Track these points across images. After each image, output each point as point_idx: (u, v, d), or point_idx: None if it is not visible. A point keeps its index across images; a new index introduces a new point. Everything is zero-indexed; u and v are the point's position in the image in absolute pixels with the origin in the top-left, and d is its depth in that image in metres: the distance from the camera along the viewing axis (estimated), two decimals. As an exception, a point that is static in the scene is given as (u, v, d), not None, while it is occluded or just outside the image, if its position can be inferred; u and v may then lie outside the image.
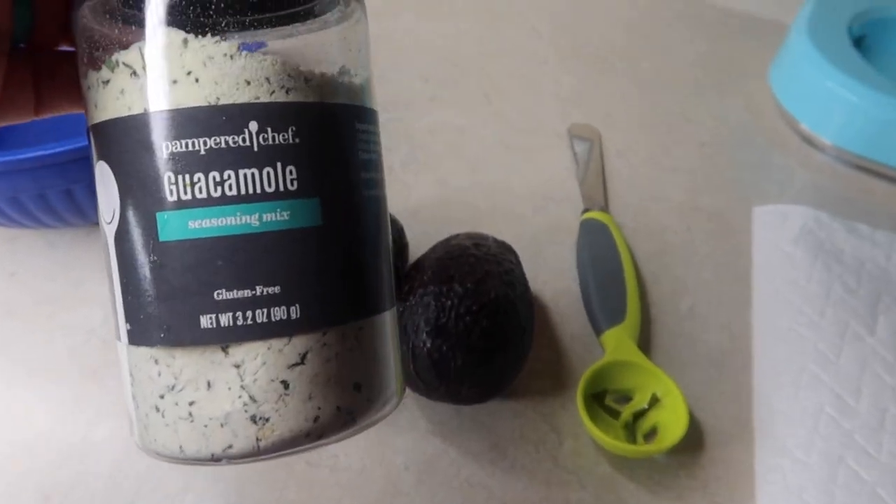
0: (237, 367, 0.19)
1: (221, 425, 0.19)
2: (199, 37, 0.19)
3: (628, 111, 0.56)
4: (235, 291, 0.19)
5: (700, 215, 0.48)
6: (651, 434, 0.36)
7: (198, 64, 0.18)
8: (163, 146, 0.18)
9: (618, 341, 0.38)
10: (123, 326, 0.20)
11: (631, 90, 0.58)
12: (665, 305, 0.42)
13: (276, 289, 0.19)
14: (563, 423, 0.36)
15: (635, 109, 0.56)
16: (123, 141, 0.19)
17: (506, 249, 0.37)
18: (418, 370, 0.32)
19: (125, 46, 0.19)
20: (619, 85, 0.58)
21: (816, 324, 0.40)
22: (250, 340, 0.19)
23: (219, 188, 0.18)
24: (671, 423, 0.35)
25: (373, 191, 0.22)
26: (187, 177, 0.18)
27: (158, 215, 0.19)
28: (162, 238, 0.19)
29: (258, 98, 0.19)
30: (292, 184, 0.19)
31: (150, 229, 0.19)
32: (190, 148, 0.18)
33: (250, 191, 0.19)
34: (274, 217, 0.19)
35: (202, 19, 0.19)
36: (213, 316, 0.19)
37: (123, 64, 0.19)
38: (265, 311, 0.19)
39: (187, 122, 0.18)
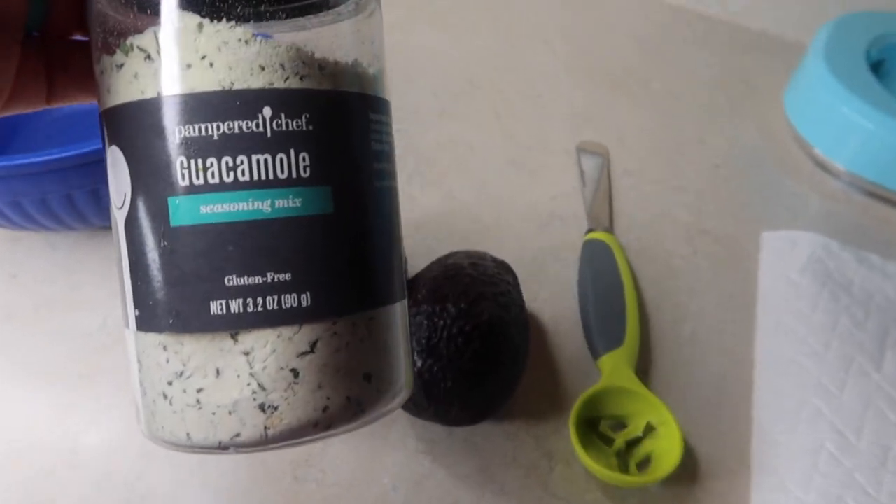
0: (246, 354, 0.19)
1: (229, 413, 0.19)
2: (215, 21, 0.18)
3: (639, 130, 0.55)
4: (246, 278, 0.18)
5: (707, 239, 0.47)
6: (645, 463, 0.35)
7: (212, 48, 0.18)
8: (175, 130, 0.18)
9: (615, 366, 0.37)
10: (132, 312, 0.20)
11: (642, 109, 0.57)
12: (666, 331, 0.41)
13: (287, 276, 0.19)
14: (556, 447, 0.36)
15: (646, 128, 0.55)
16: (136, 125, 0.19)
17: (504, 269, 0.36)
18: (408, 390, 0.32)
19: (140, 31, 0.19)
20: (630, 103, 0.58)
21: (821, 356, 0.39)
22: (260, 328, 0.19)
23: (231, 173, 0.18)
24: (665, 453, 0.34)
25: (385, 182, 0.21)
26: (200, 161, 0.18)
27: (170, 200, 0.19)
28: (173, 223, 0.19)
29: (272, 84, 0.19)
30: (305, 171, 0.19)
31: (161, 214, 0.19)
32: (203, 133, 0.18)
33: (263, 177, 0.18)
34: (286, 204, 0.19)
35: (217, 4, 0.19)
36: (223, 302, 0.18)
37: (138, 48, 0.19)
38: (276, 298, 0.19)
39: (201, 106, 0.18)
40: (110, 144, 0.20)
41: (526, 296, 0.39)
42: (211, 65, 0.18)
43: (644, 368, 0.39)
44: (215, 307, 0.18)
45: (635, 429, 0.35)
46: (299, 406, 0.19)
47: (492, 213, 0.47)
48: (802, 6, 0.64)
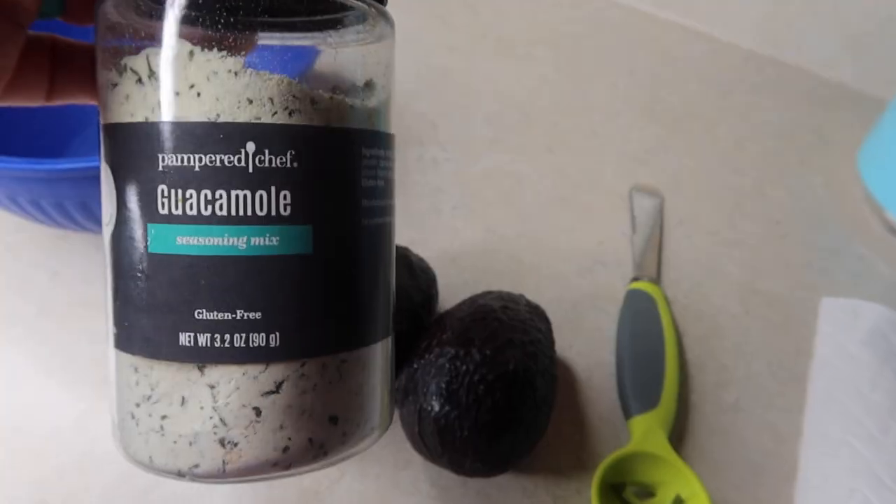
0: (211, 387, 0.19)
1: (190, 444, 0.19)
2: (206, 50, 0.18)
3: (697, 176, 0.53)
4: (215, 313, 0.18)
5: (760, 299, 0.44)
6: (670, 539, 0.33)
7: (201, 78, 0.18)
8: (159, 158, 0.18)
9: (647, 429, 0.35)
10: (111, 329, 0.20)
11: (703, 154, 0.55)
12: (707, 395, 0.39)
13: (257, 315, 0.18)
14: (576, 510, 0.34)
15: (705, 175, 0.53)
16: (124, 147, 0.19)
17: (537, 315, 0.35)
18: (423, 434, 0.31)
19: (136, 52, 0.19)
20: (690, 147, 0.55)
21: (877, 441, 0.36)
22: (226, 363, 0.19)
23: (209, 207, 0.18)
24: (693, 531, 0.32)
25: (374, 219, 0.21)
26: (180, 192, 0.18)
27: (149, 226, 0.19)
28: (151, 250, 0.19)
29: (259, 118, 0.18)
30: (285, 209, 0.18)
31: (141, 239, 0.19)
32: (185, 163, 0.18)
33: (240, 213, 0.18)
34: (262, 242, 0.18)
35: (210, 33, 0.18)
36: (192, 335, 0.18)
37: (131, 69, 0.19)
38: (243, 335, 0.18)
39: (184, 136, 0.18)
40: (103, 160, 0.20)
41: (559, 344, 0.37)
42: (198, 94, 0.18)
43: (679, 434, 0.37)
44: (184, 338, 0.18)
45: (663, 500, 0.33)
46: (259, 445, 0.19)
47: (532, 253, 0.46)
48: (885, 61, 0.61)
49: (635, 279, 0.44)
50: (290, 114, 0.19)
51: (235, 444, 0.19)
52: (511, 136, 0.55)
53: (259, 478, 0.19)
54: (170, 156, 0.18)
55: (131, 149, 0.19)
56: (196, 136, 0.18)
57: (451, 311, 0.34)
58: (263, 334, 0.18)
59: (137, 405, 0.19)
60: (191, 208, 0.18)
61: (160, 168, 0.18)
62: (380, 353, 0.21)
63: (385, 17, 0.22)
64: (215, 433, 0.19)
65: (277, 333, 0.19)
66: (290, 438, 0.19)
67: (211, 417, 0.19)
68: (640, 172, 0.52)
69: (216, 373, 0.18)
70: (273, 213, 0.18)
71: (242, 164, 0.18)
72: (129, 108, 0.19)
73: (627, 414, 0.36)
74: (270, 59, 0.19)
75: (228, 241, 0.18)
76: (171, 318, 0.18)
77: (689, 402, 0.38)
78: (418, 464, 0.34)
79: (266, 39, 0.20)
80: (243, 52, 0.18)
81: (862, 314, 0.42)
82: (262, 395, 0.19)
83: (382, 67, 0.22)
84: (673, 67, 0.63)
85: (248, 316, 0.18)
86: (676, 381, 0.37)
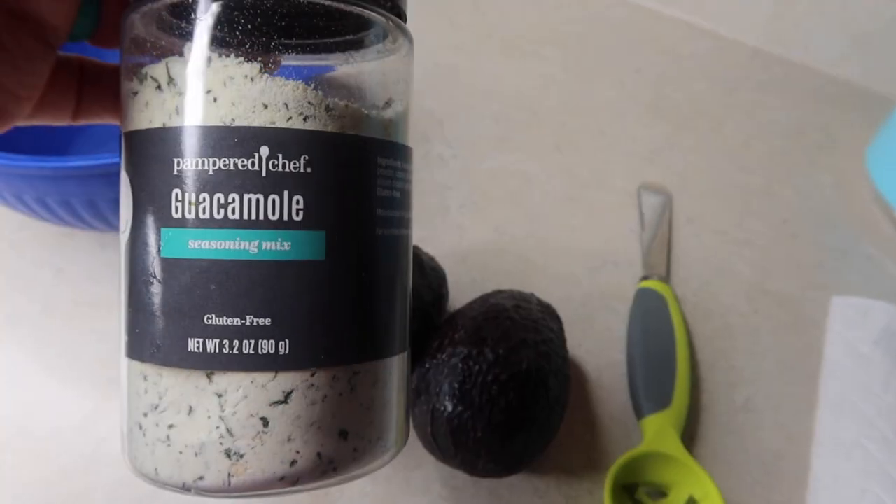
0: (219, 396, 0.18)
1: (195, 454, 0.18)
2: (223, 56, 0.18)
3: (705, 175, 0.52)
4: (225, 318, 0.18)
5: (770, 299, 0.44)
6: (683, 540, 0.32)
7: (218, 83, 0.18)
8: (173, 162, 0.18)
9: (659, 429, 0.35)
10: (123, 337, 0.20)
11: (710, 153, 0.54)
12: (718, 395, 0.39)
13: (267, 321, 0.18)
14: (588, 510, 0.33)
15: (713, 174, 0.53)
16: (141, 153, 0.19)
17: (549, 315, 0.34)
18: (435, 434, 0.30)
19: (157, 60, 0.19)
20: (698, 146, 0.55)
21: (890, 442, 0.36)
22: (234, 370, 0.18)
23: (222, 210, 0.18)
24: (706, 533, 0.31)
25: (390, 230, 0.21)
26: (193, 195, 0.18)
27: (163, 231, 0.19)
28: (163, 254, 0.19)
29: (273, 123, 0.18)
30: (297, 214, 0.18)
31: (154, 244, 0.19)
32: (199, 167, 0.18)
33: (252, 217, 0.18)
34: (274, 246, 0.18)
35: (228, 39, 0.18)
36: (201, 340, 0.18)
37: (151, 77, 0.19)
38: (252, 342, 0.18)
39: (199, 140, 0.18)
40: (122, 170, 0.20)
41: (570, 343, 0.37)
42: (215, 99, 0.18)
43: (690, 434, 0.37)
44: (193, 344, 0.18)
45: (675, 500, 0.33)
46: (266, 457, 0.18)
47: (542, 252, 0.46)
48: (893, 58, 0.60)
49: (645, 278, 0.43)
50: (304, 119, 0.19)
51: (242, 456, 0.18)
52: (518, 134, 0.54)
53: (265, 493, 0.19)
54: (185, 160, 0.18)
55: (148, 154, 0.19)
56: (211, 139, 0.18)
57: (462, 310, 0.34)
58: (273, 341, 0.18)
59: (145, 415, 0.19)
60: (204, 212, 0.18)
61: (175, 172, 0.18)
62: (395, 369, 0.21)
63: (405, 33, 0.22)
64: (221, 443, 0.18)
65: (287, 341, 0.18)
66: (298, 452, 0.19)
67: (217, 427, 0.18)
68: (647, 171, 0.52)
69: (224, 380, 0.18)
70: (286, 217, 0.18)
71: (256, 167, 0.18)
72: (147, 114, 0.19)
73: (639, 414, 0.36)
74: (287, 66, 0.20)
75: (240, 245, 0.18)
76: (180, 324, 0.18)
77: (700, 401, 0.38)
78: (430, 464, 0.34)
79: (288, 60, 0.20)
80: (261, 60, 0.19)
81: (873, 313, 0.42)
82: (271, 405, 0.18)
83: (402, 83, 0.22)
84: (679, 65, 0.63)
85: (257, 322, 0.18)
86: (688, 381, 0.37)
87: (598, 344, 0.40)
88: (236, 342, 0.18)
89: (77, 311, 0.40)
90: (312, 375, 0.19)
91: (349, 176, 0.19)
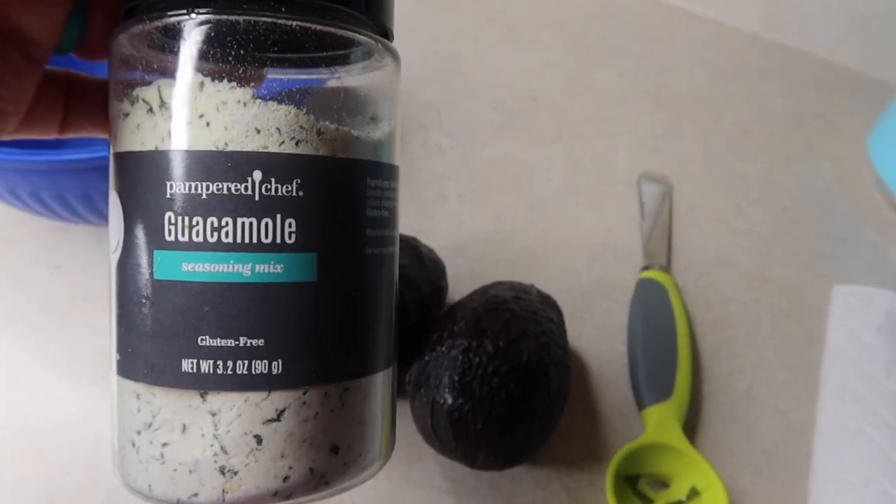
0: (213, 414, 0.19)
1: (190, 472, 0.19)
2: (216, 81, 0.19)
3: (705, 164, 0.52)
4: (219, 340, 0.18)
5: (770, 288, 0.44)
6: (685, 530, 0.32)
7: (211, 108, 0.19)
8: (166, 185, 0.18)
9: (660, 419, 0.34)
10: (114, 356, 0.20)
11: (711, 141, 0.54)
12: (719, 384, 0.39)
13: (260, 342, 0.19)
14: (589, 501, 0.33)
15: (713, 163, 0.52)
16: (133, 175, 0.19)
17: (549, 306, 0.34)
18: (435, 427, 0.30)
19: (148, 83, 0.19)
20: (698, 134, 0.54)
21: (893, 429, 0.36)
22: (228, 390, 0.19)
23: (215, 234, 0.18)
24: (709, 522, 0.31)
25: (378, 249, 0.21)
26: (186, 219, 0.18)
27: (156, 253, 0.19)
28: (156, 276, 0.19)
29: (266, 147, 0.19)
30: (290, 237, 0.19)
31: (146, 266, 0.19)
32: (192, 191, 0.18)
33: (246, 240, 0.18)
34: (267, 269, 0.18)
35: (220, 64, 0.19)
36: (195, 361, 0.19)
37: (142, 100, 0.19)
38: (246, 363, 0.19)
39: (193, 164, 0.18)
40: (112, 189, 0.20)
41: (570, 333, 0.36)
42: (207, 124, 0.18)
43: (692, 423, 0.36)
44: (187, 365, 0.19)
45: (678, 491, 0.33)
46: (259, 473, 0.19)
47: (542, 241, 0.45)
48: (892, 44, 0.60)
49: (646, 267, 0.43)
50: (296, 143, 0.19)
51: (236, 473, 0.19)
52: (519, 122, 0.54)
53: None
54: (178, 183, 0.18)
55: (140, 177, 0.19)
56: (204, 164, 0.18)
57: (462, 301, 0.34)
58: (266, 361, 0.19)
59: (138, 433, 0.19)
60: (197, 235, 0.18)
61: (168, 195, 0.18)
62: (382, 383, 0.22)
63: (391, 52, 0.22)
64: (216, 461, 0.19)
65: (280, 361, 0.19)
66: (290, 468, 0.19)
67: (212, 445, 0.19)
68: (648, 160, 0.52)
69: (218, 400, 0.19)
70: (278, 240, 0.18)
71: (249, 192, 0.18)
72: (139, 137, 0.19)
73: (640, 404, 0.36)
74: (278, 91, 0.20)
75: (233, 268, 0.18)
76: (174, 345, 0.19)
77: (702, 390, 0.38)
78: (430, 457, 0.34)
79: (275, 73, 0.20)
80: (253, 84, 0.19)
81: (876, 301, 0.42)
82: (264, 423, 0.19)
83: (387, 101, 0.22)
84: (678, 53, 0.62)
85: (251, 343, 0.18)
86: (689, 371, 0.37)
87: (598, 334, 0.40)
88: (230, 363, 0.18)
89: (75, 307, 0.40)
90: (304, 393, 0.19)
91: (340, 198, 0.20)
